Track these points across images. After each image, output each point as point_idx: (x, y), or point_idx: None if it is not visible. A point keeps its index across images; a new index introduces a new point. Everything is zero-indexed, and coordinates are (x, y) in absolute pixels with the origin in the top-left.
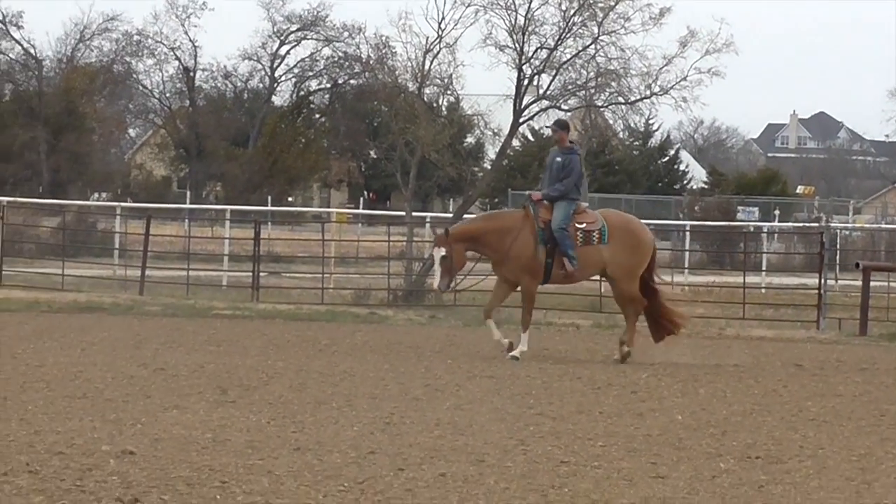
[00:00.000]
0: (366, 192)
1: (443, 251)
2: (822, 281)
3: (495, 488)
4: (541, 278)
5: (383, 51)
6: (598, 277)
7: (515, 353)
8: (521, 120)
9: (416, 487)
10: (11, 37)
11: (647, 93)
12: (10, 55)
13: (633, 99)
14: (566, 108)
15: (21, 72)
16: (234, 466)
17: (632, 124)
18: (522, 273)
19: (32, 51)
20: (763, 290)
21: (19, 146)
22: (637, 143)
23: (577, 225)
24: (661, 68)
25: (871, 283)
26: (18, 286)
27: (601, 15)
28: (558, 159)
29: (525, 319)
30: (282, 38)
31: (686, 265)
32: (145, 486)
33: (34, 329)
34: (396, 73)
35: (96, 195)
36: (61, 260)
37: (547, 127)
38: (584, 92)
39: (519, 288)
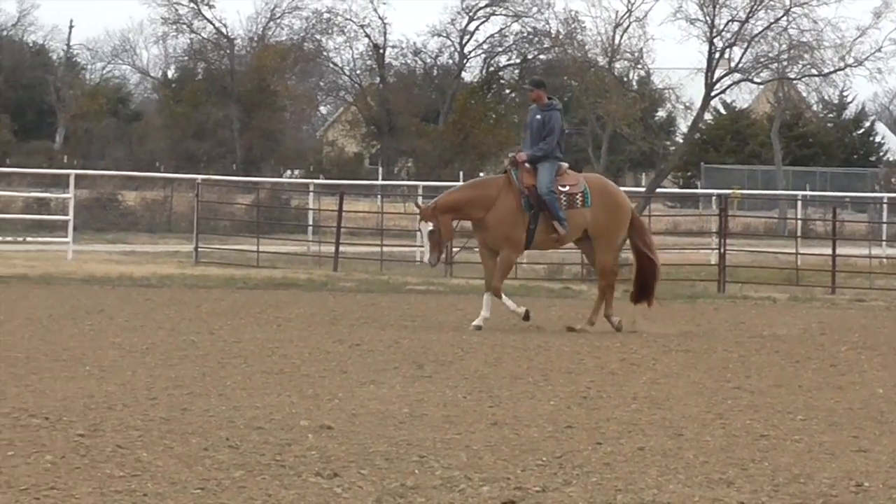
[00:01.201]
0: None
1: (430, 225)
2: None
3: (694, 462)
4: (522, 247)
5: (573, 25)
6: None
7: (517, 311)
8: (712, 93)
9: (615, 461)
10: (204, 16)
11: (841, 64)
12: (203, 34)
13: (826, 71)
14: (758, 80)
15: (213, 51)
16: (431, 441)
17: (825, 96)
18: (504, 241)
19: (224, 30)
20: None
21: (212, 124)
22: (831, 115)
23: (559, 188)
24: (854, 39)
25: None
26: (214, 263)
27: None
28: (538, 117)
29: (496, 287)
30: (471, 14)
31: (883, 237)
32: (344, 461)
33: (230, 305)
34: (586, 47)
35: (289, 172)
36: (256, 237)
37: (524, 87)
38: (776, 64)
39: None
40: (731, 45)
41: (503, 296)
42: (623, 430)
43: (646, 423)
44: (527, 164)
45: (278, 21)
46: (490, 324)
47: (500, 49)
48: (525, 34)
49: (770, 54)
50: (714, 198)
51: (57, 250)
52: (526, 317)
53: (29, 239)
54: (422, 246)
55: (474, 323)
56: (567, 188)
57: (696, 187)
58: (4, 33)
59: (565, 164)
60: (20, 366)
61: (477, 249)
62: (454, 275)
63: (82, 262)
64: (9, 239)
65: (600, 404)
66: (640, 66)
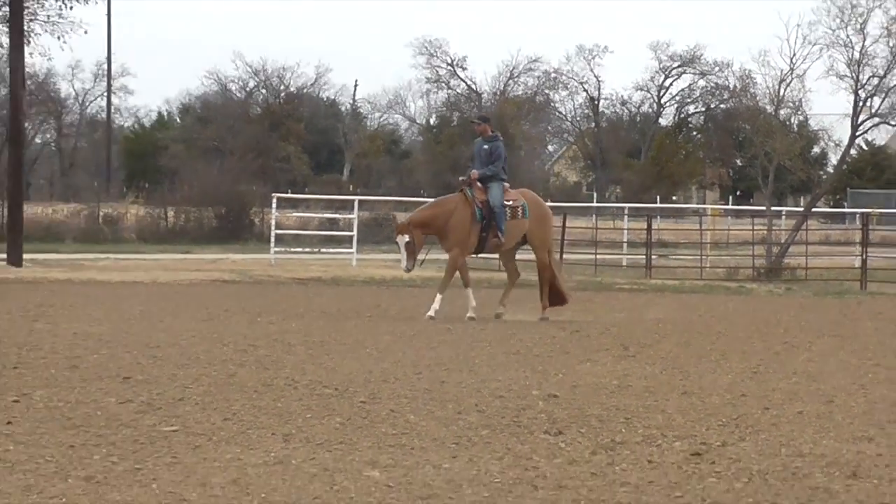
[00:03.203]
0: (736, 192)
1: (406, 237)
2: None
3: (842, 423)
4: (469, 251)
5: (746, 81)
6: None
7: (430, 312)
8: (857, 133)
9: (779, 422)
10: (458, 76)
11: None
12: (457, 90)
13: None
14: (894, 123)
15: (465, 103)
16: (635, 406)
17: None
18: (455, 244)
19: (474, 86)
20: None
21: (465, 160)
22: None
23: (505, 202)
24: None
25: None
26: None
27: None
28: (485, 147)
29: (444, 284)
30: (666, 72)
31: None
32: (567, 422)
33: (479, 301)
34: (757, 98)
35: None
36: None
37: (472, 121)
38: None
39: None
40: (872, 96)
41: (439, 295)
42: (786, 398)
43: (804, 392)
44: (478, 183)
45: (516, 79)
46: (678, 316)
47: (689, 100)
48: (709, 88)
49: None
50: (858, 216)
51: (344, 259)
52: (431, 317)
53: (322, 250)
54: (618, 252)
55: (469, 315)
56: (511, 202)
57: (844, 207)
58: (305, 91)
59: (507, 184)
60: (316, 348)
61: (673, 258)
62: (654, 276)
63: (363, 267)
64: (307, 250)
65: (768, 378)
66: (799, 113)
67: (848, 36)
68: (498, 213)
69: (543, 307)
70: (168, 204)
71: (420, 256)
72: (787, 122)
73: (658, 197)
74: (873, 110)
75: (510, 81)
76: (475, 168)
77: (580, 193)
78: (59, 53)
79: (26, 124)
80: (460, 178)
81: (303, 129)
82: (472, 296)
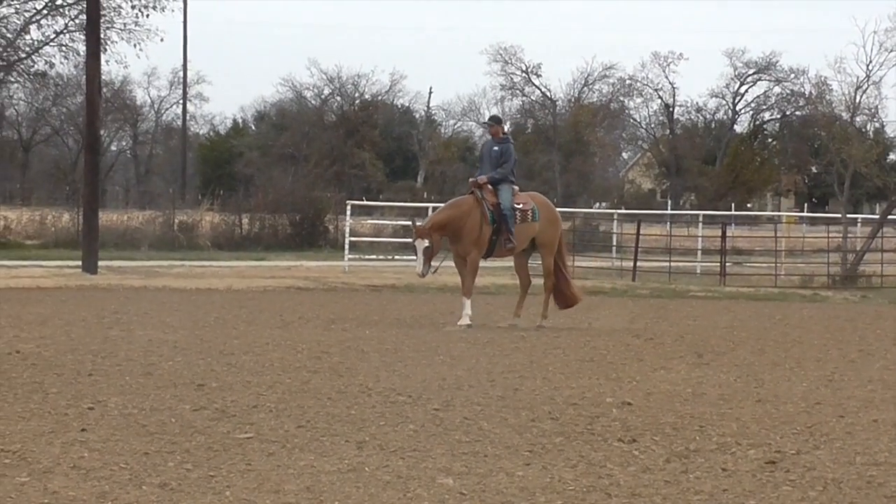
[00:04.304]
0: (811, 199)
1: (426, 242)
2: None
3: None
4: (484, 252)
5: (822, 88)
6: None
7: (464, 320)
8: None
9: (854, 431)
10: (533, 83)
11: None
12: (532, 97)
13: None
14: None
15: (540, 110)
16: (709, 414)
17: None
18: (472, 246)
19: (548, 93)
20: None
21: (539, 167)
22: None
23: (515, 205)
24: None
25: None
26: (537, 275)
27: None
28: (495, 148)
29: (468, 287)
30: (741, 79)
31: None
32: (640, 430)
33: (551, 308)
34: (833, 105)
35: (598, 204)
36: (572, 255)
37: (483, 123)
38: None
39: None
40: None
41: (468, 300)
42: (861, 406)
43: (879, 400)
44: (489, 186)
45: (591, 86)
46: (752, 323)
47: (764, 107)
48: (784, 95)
49: None
50: None
51: None
52: (468, 325)
53: (396, 257)
54: (693, 260)
55: (459, 323)
56: (521, 205)
57: None
58: (380, 98)
59: (517, 188)
60: (389, 355)
61: (748, 265)
62: (728, 284)
63: (438, 275)
64: (381, 257)
65: (843, 385)
66: (876, 119)
67: None
68: (508, 216)
69: (543, 316)
70: (243, 211)
71: (434, 263)
72: (864, 129)
73: (733, 204)
74: None
75: (585, 88)
76: (483, 168)
77: (654, 200)
78: (135, 61)
79: (102, 131)
80: (470, 179)
81: (377, 136)
82: (468, 305)
